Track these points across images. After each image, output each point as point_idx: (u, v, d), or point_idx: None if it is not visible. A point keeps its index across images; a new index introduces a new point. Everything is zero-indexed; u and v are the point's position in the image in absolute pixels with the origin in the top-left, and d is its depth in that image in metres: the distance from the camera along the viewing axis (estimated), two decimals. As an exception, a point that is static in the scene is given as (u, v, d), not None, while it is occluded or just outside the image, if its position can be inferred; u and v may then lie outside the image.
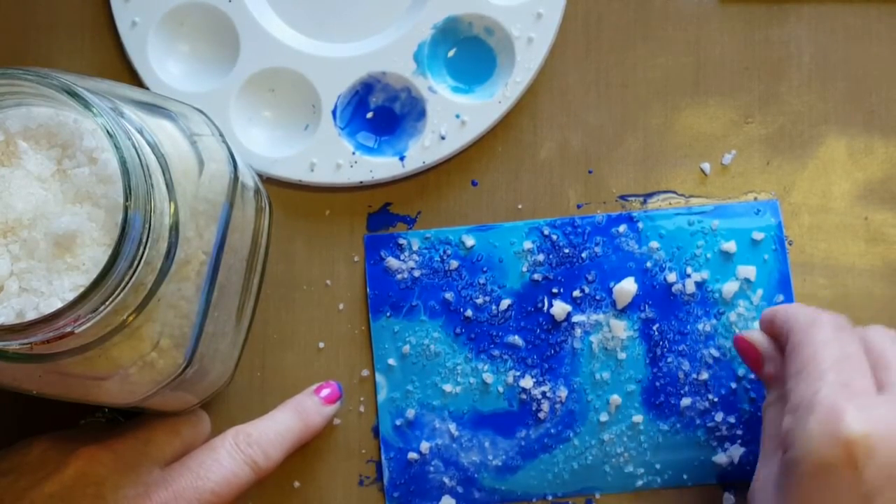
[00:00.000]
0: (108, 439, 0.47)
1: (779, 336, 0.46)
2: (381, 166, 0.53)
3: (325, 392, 0.51)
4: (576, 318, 0.51)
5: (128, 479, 0.45)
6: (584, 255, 0.52)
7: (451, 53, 0.54)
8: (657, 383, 0.51)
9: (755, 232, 0.52)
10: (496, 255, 0.52)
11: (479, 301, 0.52)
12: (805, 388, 0.41)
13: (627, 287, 0.51)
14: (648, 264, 0.52)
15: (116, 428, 0.49)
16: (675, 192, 0.53)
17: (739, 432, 0.51)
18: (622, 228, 0.52)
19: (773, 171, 0.53)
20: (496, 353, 0.52)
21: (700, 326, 0.51)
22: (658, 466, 0.51)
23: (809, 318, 0.44)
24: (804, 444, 0.40)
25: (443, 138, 0.52)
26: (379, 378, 0.52)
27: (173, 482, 0.46)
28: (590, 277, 0.52)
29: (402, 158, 0.52)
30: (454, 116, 0.52)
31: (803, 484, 0.40)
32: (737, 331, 0.51)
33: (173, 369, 0.42)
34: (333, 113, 0.53)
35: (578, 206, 0.53)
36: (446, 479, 0.51)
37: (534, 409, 0.51)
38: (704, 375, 0.51)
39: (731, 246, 0.51)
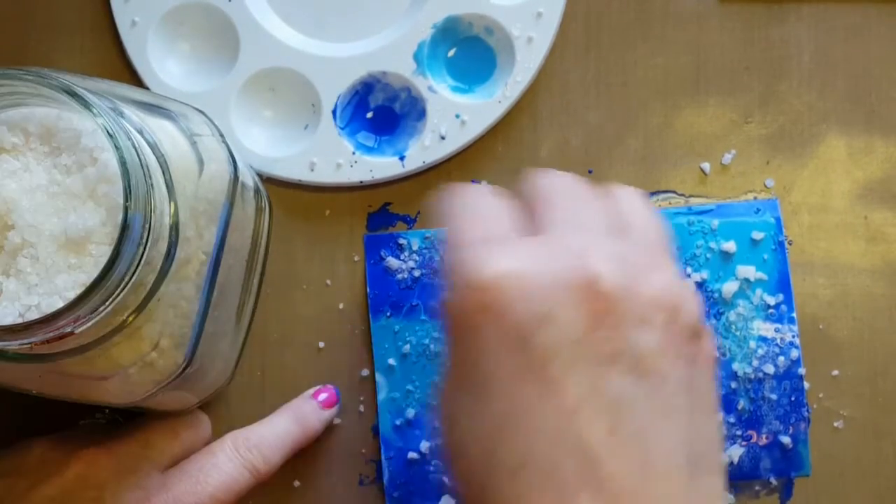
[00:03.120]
0: (108, 442, 0.47)
1: None
2: (381, 166, 0.53)
3: (323, 396, 0.51)
4: (576, 318, 0.51)
5: (127, 483, 0.45)
6: (584, 254, 0.52)
7: (451, 53, 0.54)
8: (657, 383, 0.51)
9: (755, 231, 0.52)
10: (496, 255, 0.52)
11: (479, 301, 0.52)
12: (448, 259, 0.36)
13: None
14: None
15: (116, 430, 0.49)
16: (674, 192, 0.53)
17: (739, 432, 0.51)
18: (622, 228, 0.52)
19: (772, 170, 0.53)
20: (496, 352, 0.52)
21: (700, 326, 0.51)
22: (658, 466, 0.51)
23: (448, 190, 0.39)
24: (446, 311, 0.35)
25: (443, 138, 0.52)
26: (379, 378, 0.52)
27: (173, 487, 0.46)
28: (590, 277, 0.52)
29: (402, 158, 0.52)
30: (454, 116, 0.52)
31: (454, 351, 0.35)
32: (735, 331, 0.51)
33: (173, 369, 0.42)
34: (333, 113, 0.53)
35: (578, 206, 0.53)
36: (446, 479, 0.51)
37: (534, 408, 0.51)
38: (704, 375, 0.51)
39: (730, 246, 0.51)
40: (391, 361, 0.52)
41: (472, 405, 0.35)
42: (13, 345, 0.37)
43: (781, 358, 0.51)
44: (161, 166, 0.39)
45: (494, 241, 0.36)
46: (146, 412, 0.49)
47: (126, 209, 0.37)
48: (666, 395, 0.35)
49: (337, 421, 0.52)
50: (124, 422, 0.50)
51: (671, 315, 0.35)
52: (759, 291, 0.51)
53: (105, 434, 0.48)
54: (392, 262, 0.52)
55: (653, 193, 0.53)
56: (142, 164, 0.38)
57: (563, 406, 0.34)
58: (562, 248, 0.35)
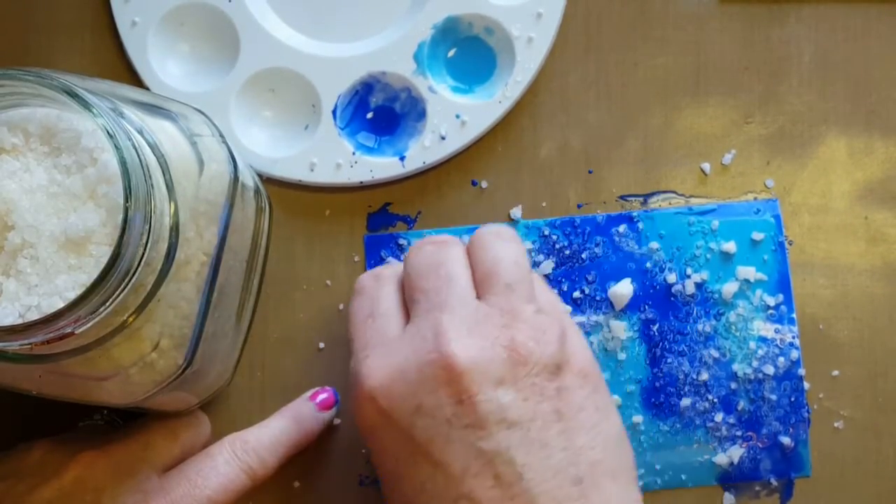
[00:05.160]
0: (107, 444, 0.47)
1: None
2: (382, 166, 0.53)
3: (322, 397, 0.51)
4: (576, 319, 0.51)
5: (126, 486, 0.45)
6: (584, 255, 0.52)
7: (451, 53, 0.54)
8: (657, 383, 0.51)
9: (755, 232, 0.52)
10: (496, 255, 0.52)
11: (479, 301, 0.52)
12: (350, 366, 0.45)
13: (622, 290, 0.51)
14: (648, 265, 0.52)
15: (115, 432, 0.49)
16: (675, 192, 0.53)
17: (739, 432, 0.51)
18: (622, 228, 0.52)
19: (773, 171, 0.53)
20: (496, 353, 0.52)
21: (700, 327, 0.51)
22: (658, 467, 0.51)
23: (354, 288, 0.47)
24: (353, 412, 0.44)
25: (443, 138, 0.52)
26: (379, 378, 0.52)
27: (171, 490, 0.46)
28: (590, 278, 0.52)
29: (402, 158, 0.52)
30: (454, 116, 0.52)
31: (369, 448, 0.43)
32: (735, 331, 0.51)
33: (173, 370, 0.42)
34: (333, 113, 0.53)
35: (578, 206, 0.53)
36: (446, 479, 0.51)
37: (534, 409, 0.51)
38: (704, 376, 0.51)
39: (730, 246, 0.51)
40: (391, 362, 0.52)
41: (392, 489, 0.43)
42: (13, 345, 0.37)
43: (781, 359, 0.51)
44: (161, 167, 0.39)
45: (373, 347, 0.43)
46: (146, 413, 0.49)
47: (126, 209, 0.37)
48: (536, 433, 0.40)
49: (337, 421, 0.52)
50: (123, 423, 0.50)
51: (525, 367, 0.41)
52: (759, 292, 0.51)
53: (104, 436, 0.48)
54: (392, 262, 0.52)
55: (653, 193, 0.53)
56: (142, 165, 0.38)
57: (452, 475, 0.40)
58: (420, 338, 0.42)
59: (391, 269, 0.47)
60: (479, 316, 0.43)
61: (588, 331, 0.51)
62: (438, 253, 0.45)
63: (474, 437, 0.40)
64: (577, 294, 0.52)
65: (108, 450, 0.46)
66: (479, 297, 0.44)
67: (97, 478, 0.45)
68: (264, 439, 0.49)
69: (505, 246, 0.45)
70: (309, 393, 0.51)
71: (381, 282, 0.46)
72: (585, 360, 0.43)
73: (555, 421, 0.41)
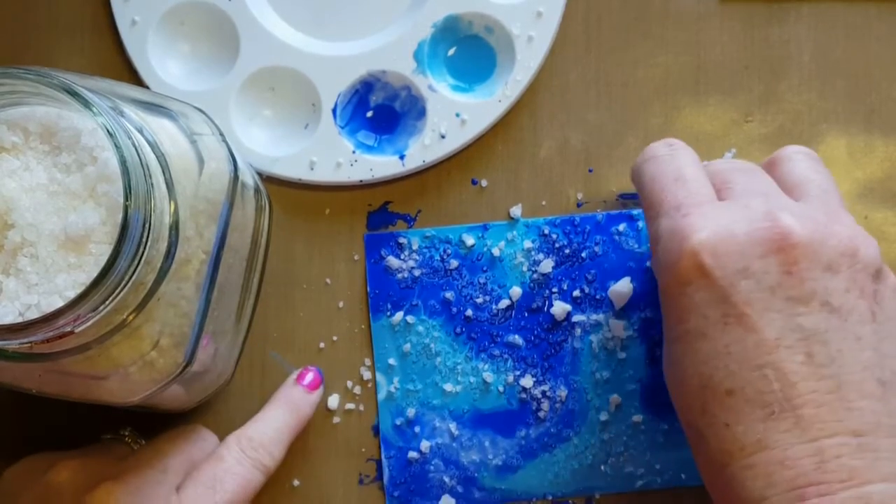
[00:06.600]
0: (125, 473, 0.46)
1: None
2: (382, 165, 0.53)
3: (309, 378, 0.51)
4: (576, 318, 0.51)
5: None
6: (584, 254, 0.52)
7: (451, 52, 0.54)
8: (657, 383, 0.51)
9: (755, 231, 0.52)
10: (496, 255, 0.52)
11: (480, 300, 0.52)
12: (651, 225, 0.45)
13: (622, 289, 0.51)
14: (648, 264, 0.52)
15: (132, 458, 0.48)
16: (675, 192, 0.53)
17: (739, 431, 0.51)
18: (622, 227, 0.52)
19: (773, 170, 0.53)
20: (496, 352, 0.52)
21: (700, 326, 0.51)
22: (658, 466, 0.51)
23: (644, 155, 0.47)
24: (661, 273, 0.43)
25: (443, 137, 0.52)
26: (379, 377, 0.52)
27: None
28: (590, 277, 0.52)
29: (402, 157, 0.53)
30: (454, 115, 0.52)
31: (672, 304, 0.43)
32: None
33: (173, 368, 0.42)
34: (333, 111, 0.53)
35: (578, 205, 0.53)
36: (446, 479, 0.51)
37: (534, 408, 0.51)
38: (704, 375, 0.51)
39: (731, 245, 0.51)
40: (391, 361, 0.52)
41: (687, 348, 0.42)
42: (13, 344, 0.37)
43: (781, 357, 0.51)
44: (161, 165, 0.39)
45: (695, 206, 0.43)
46: (168, 418, 0.49)
47: (126, 208, 0.37)
48: (851, 326, 0.41)
49: (336, 420, 0.52)
50: (143, 444, 0.50)
51: (853, 259, 0.42)
52: (759, 291, 0.51)
53: (123, 461, 0.47)
54: (392, 261, 0.52)
55: (653, 193, 0.53)
56: (142, 163, 0.38)
57: (764, 342, 0.41)
58: (749, 209, 0.43)
59: (681, 145, 0.47)
60: (803, 207, 0.43)
61: (588, 330, 0.51)
62: (744, 163, 0.47)
63: (795, 311, 0.41)
64: (576, 293, 0.52)
65: (127, 479, 0.46)
66: None
67: None
68: (268, 432, 0.49)
69: (813, 165, 0.46)
70: (294, 375, 0.51)
71: (676, 149, 0.46)
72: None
73: (869, 321, 0.42)
